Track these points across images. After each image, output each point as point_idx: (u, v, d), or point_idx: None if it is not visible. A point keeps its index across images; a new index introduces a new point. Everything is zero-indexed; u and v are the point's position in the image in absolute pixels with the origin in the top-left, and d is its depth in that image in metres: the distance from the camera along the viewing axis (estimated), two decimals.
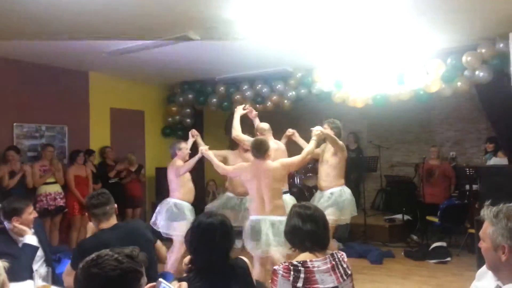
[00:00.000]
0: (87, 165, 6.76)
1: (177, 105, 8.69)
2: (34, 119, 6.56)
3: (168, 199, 5.17)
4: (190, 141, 5.46)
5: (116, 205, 2.95)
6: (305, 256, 2.26)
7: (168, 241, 4.93)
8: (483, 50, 5.69)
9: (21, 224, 3.12)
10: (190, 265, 2.24)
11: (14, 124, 6.29)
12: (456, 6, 4.46)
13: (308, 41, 5.58)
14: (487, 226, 1.82)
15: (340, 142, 4.89)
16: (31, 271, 2.92)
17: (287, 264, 2.19)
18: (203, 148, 4.81)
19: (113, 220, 2.88)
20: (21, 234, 3.10)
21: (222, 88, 8.07)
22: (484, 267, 1.96)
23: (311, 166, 7.91)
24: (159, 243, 3.09)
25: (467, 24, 5.10)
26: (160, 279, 1.57)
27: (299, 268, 2.16)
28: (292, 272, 2.15)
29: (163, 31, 5.08)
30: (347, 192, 4.98)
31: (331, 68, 6.84)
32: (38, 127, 6.63)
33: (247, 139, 4.91)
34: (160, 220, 5.05)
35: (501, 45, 5.50)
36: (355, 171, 8.02)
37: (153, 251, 2.88)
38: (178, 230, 4.91)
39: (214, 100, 8.18)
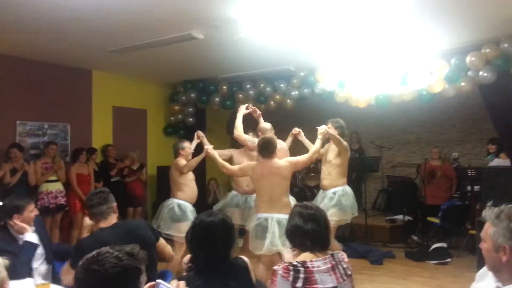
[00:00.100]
0: (89, 163, 6.77)
1: (179, 104, 8.70)
2: (37, 117, 6.58)
3: (171, 199, 5.10)
4: (195, 142, 5.43)
5: (115, 204, 2.93)
6: (305, 256, 2.26)
7: (168, 242, 4.90)
8: (487, 51, 5.66)
9: (22, 222, 3.12)
10: (190, 264, 2.24)
11: (17, 122, 6.31)
12: (460, 6, 4.45)
13: (311, 40, 5.57)
14: (488, 226, 1.82)
15: (344, 143, 4.90)
16: (31, 269, 2.92)
17: (286, 264, 2.19)
18: (207, 147, 4.78)
19: (112, 219, 2.86)
20: (22, 232, 3.10)
21: (225, 87, 8.08)
22: (484, 268, 1.96)
23: (313, 166, 7.91)
24: (162, 241, 3.03)
25: (471, 25, 5.09)
26: (159, 280, 1.57)
27: (299, 268, 2.16)
28: (291, 272, 2.15)
29: (167, 30, 5.08)
30: (349, 191, 4.99)
31: (334, 68, 6.83)
32: (41, 125, 6.64)
33: (248, 139, 4.91)
34: (162, 220, 4.99)
35: (505, 45, 5.49)
36: (356, 171, 8.01)
37: (153, 251, 2.84)
38: (180, 231, 4.84)
39: (217, 99, 8.18)
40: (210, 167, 8.38)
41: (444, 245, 6.40)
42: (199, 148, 5.33)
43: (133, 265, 1.54)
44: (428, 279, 5.43)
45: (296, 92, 7.41)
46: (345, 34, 5.31)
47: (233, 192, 5.43)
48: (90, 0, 4.13)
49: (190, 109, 8.66)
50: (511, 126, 6.04)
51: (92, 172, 6.75)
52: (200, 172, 7.14)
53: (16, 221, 3.11)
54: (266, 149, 4.16)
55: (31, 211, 3.22)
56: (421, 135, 8.61)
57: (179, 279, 2.02)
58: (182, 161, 5.06)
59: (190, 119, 8.71)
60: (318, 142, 4.51)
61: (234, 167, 4.58)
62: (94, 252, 1.56)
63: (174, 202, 5.04)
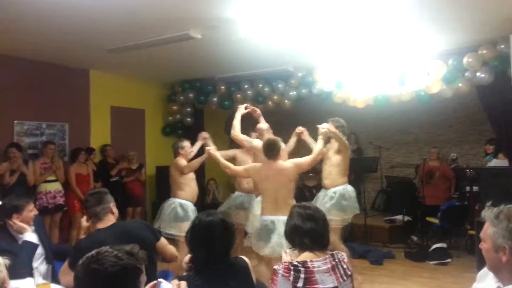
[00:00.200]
0: (88, 163, 6.76)
1: (177, 104, 8.69)
2: (35, 116, 6.56)
3: (172, 199, 5.07)
4: (199, 143, 5.40)
5: (112, 205, 2.88)
6: (305, 256, 2.26)
7: (171, 242, 4.88)
8: (484, 52, 5.68)
9: (21, 222, 3.12)
10: (190, 264, 2.24)
11: (15, 121, 6.29)
12: (457, 8, 4.46)
13: (310, 41, 5.58)
14: (487, 227, 1.82)
15: (346, 141, 4.89)
16: (31, 268, 2.91)
17: (287, 264, 2.19)
18: (209, 148, 4.74)
19: (109, 220, 2.81)
20: (21, 231, 3.10)
21: (222, 87, 8.07)
22: (484, 269, 1.96)
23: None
24: (162, 241, 2.96)
25: (468, 26, 5.11)
26: (160, 279, 1.57)
27: (299, 268, 2.17)
28: (292, 272, 2.15)
29: (165, 30, 5.08)
30: (350, 190, 4.99)
31: (332, 68, 6.84)
32: (39, 124, 6.62)
33: (245, 139, 4.88)
34: (164, 220, 4.96)
35: (502, 46, 5.50)
36: (355, 172, 8.01)
37: (152, 251, 2.79)
38: (183, 230, 4.81)
39: (215, 99, 8.18)
40: (209, 167, 8.38)
41: (444, 245, 6.41)
42: (200, 149, 5.33)
43: (133, 264, 1.54)
44: (428, 279, 5.44)
45: (294, 93, 7.42)
46: (343, 35, 5.32)
47: (237, 193, 5.42)
48: (88, 0, 4.13)
49: (188, 109, 8.66)
50: (508, 126, 6.06)
51: (91, 172, 6.74)
52: (200, 172, 7.13)
53: (16, 221, 3.10)
54: (271, 150, 4.11)
55: (31, 210, 3.21)
56: (419, 136, 8.62)
57: (179, 278, 2.03)
58: (182, 161, 5.03)
59: (188, 119, 8.71)
60: (320, 142, 4.45)
61: (238, 168, 4.53)
62: (94, 251, 1.57)
63: (175, 201, 5.02)
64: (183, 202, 5.00)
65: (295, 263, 2.19)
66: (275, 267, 2.21)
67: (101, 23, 4.80)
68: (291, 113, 7.97)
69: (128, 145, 7.76)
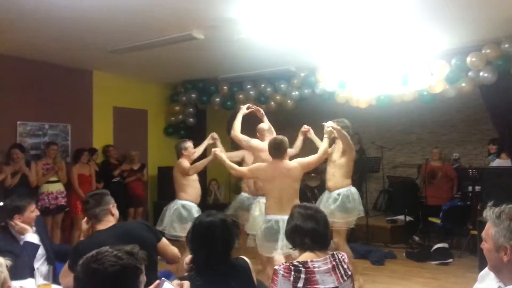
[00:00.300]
0: (91, 164, 6.77)
1: (180, 104, 8.71)
2: (38, 117, 6.59)
3: (175, 201, 5.06)
4: (206, 142, 5.38)
5: (112, 206, 2.87)
6: (306, 256, 2.26)
7: (175, 243, 4.87)
8: (488, 51, 5.66)
9: (22, 222, 3.12)
10: (191, 264, 2.24)
11: (18, 122, 6.32)
12: (460, 7, 4.44)
13: (312, 40, 5.57)
14: (489, 226, 1.82)
15: (351, 141, 4.87)
16: (33, 269, 2.92)
17: (287, 264, 2.19)
18: (216, 150, 4.72)
19: (108, 222, 2.80)
20: (23, 232, 3.11)
21: (225, 87, 8.08)
22: (486, 269, 1.95)
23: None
24: (164, 242, 2.94)
25: (471, 25, 5.09)
26: (163, 279, 1.57)
27: (300, 268, 2.16)
28: (292, 272, 2.15)
29: (167, 30, 5.08)
30: (354, 192, 4.94)
31: (335, 68, 6.82)
32: (41, 125, 6.65)
33: (243, 139, 4.86)
34: (167, 222, 4.94)
35: (506, 46, 5.49)
36: (357, 172, 8.00)
37: (153, 251, 2.79)
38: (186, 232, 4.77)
39: (217, 99, 8.19)
40: (211, 168, 8.37)
41: (445, 245, 6.40)
42: (205, 150, 5.32)
43: (133, 264, 1.55)
44: (429, 279, 5.42)
45: (297, 93, 7.41)
46: (346, 34, 5.31)
47: (243, 194, 5.40)
48: (90, 0, 4.13)
49: (191, 109, 8.67)
50: (511, 126, 6.04)
51: (94, 173, 6.75)
52: (201, 172, 7.14)
53: (17, 222, 3.11)
54: (278, 149, 4.09)
55: (32, 211, 3.22)
56: (422, 136, 8.61)
57: (181, 279, 2.02)
58: (185, 163, 5.01)
59: (191, 120, 8.71)
60: (325, 141, 4.42)
61: (243, 169, 4.50)
62: (94, 251, 1.57)
63: (178, 203, 5.01)
64: (186, 203, 4.99)
65: (296, 263, 2.19)
66: (276, 267, 2.21)
67: (103, 24, 4.82)
68: (293, 113, 7.97)
69: (131, 146, 7.77)
